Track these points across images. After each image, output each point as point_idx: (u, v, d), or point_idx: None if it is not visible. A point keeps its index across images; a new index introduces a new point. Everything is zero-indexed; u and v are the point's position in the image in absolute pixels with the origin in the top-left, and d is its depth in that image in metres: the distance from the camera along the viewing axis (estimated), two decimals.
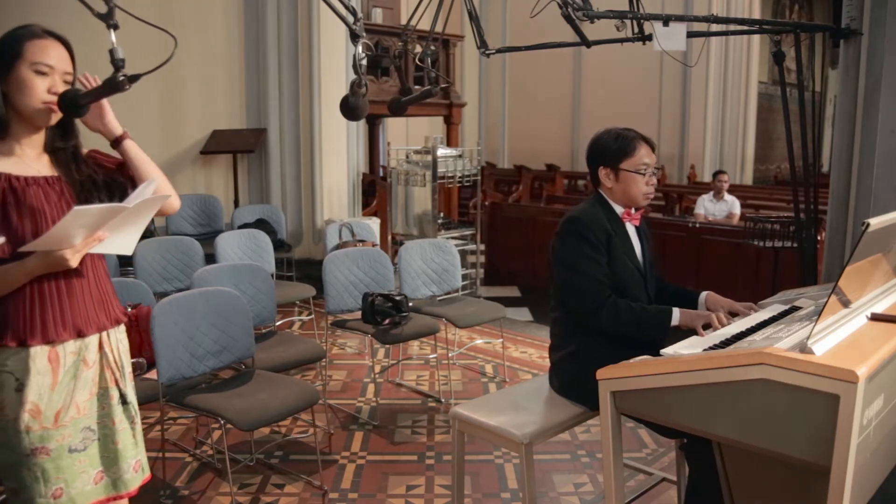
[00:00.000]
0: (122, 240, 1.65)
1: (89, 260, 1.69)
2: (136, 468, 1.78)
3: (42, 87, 1.59)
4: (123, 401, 1.76)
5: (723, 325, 2.10)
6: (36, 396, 1.60)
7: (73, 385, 1.66)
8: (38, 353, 1.60)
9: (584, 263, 2.26)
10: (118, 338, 1.79)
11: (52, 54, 1.61)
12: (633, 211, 2.41)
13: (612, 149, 2.36)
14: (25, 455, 1.59)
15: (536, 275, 6.92)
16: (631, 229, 2.41)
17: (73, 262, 1.57)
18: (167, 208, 1.78)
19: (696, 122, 12.76)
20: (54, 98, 1.59)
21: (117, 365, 1.76)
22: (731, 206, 7.08)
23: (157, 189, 1.68)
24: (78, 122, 1.72)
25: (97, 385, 1.71)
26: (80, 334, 1.66)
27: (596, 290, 2.25)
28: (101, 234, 1.58)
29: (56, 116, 1.63)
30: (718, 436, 1.66)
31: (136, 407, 1.83)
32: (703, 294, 2.39)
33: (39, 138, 1.68)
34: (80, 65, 1.70)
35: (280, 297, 4.19)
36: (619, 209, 2.39)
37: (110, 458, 1.73)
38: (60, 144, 1.71)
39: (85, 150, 1.77)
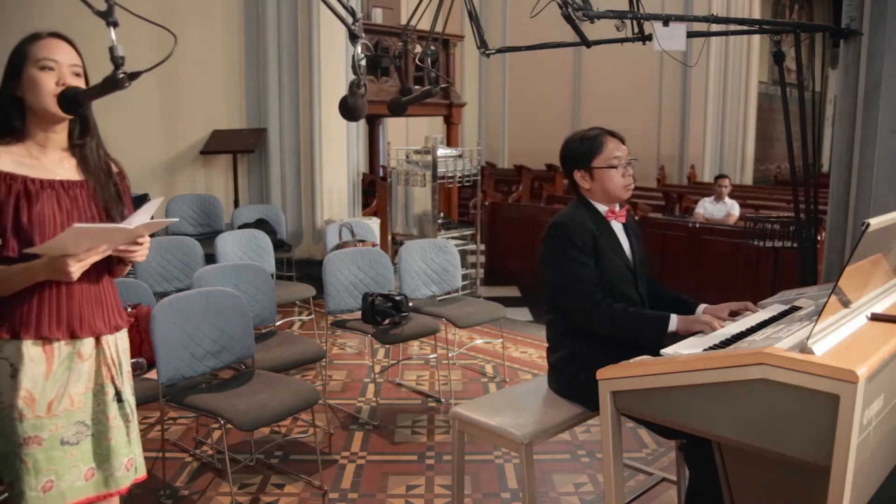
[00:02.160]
0: None
1: (94, 264, 1.69)
2: (128, 466, 1.78)
3: (50, 81, 1.62)
4: (119, 398, 1.77)
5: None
6: (30, 384, 1.61)
7: (68, 376, 1.67)
8: (32, 343, 1.62)
9: (572, 267, 2.26)
10: (117, 337, 1.79)
11: (55, 49, 1.64)
12: (617, 208, 2.40)
13: (580, 150, 2.37)
14: (19, 445, 1.60)
15: (536, 275, 6.84)
16: (618, 227, 2.41)
17: (75, 276, 1.59)
18: None
19: (696, 122, 12.75)
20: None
21: (114, 362, 1.76)
22: (730, 208, 7.15)
23: None
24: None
25: (93, 381, 1.72)
26: (74, 335, 1.67)
27: (586, 292, 2.25)
28: (104, 249, 1.61)
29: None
30: (718, 436, 1.66)
31: (133, 406, 1.83)
32: (701, 307, 2.35)
33: (60, 139, 1.70)
34: None
35: (280, 297, 4.18)
36: (602, 208, 2.39)
37: (103, 454, 1.73)
38: (79, 141, 1.73)
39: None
